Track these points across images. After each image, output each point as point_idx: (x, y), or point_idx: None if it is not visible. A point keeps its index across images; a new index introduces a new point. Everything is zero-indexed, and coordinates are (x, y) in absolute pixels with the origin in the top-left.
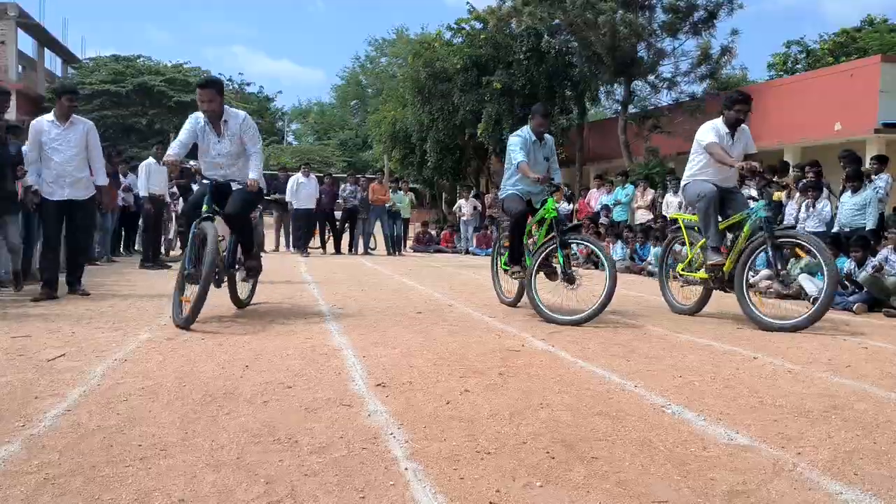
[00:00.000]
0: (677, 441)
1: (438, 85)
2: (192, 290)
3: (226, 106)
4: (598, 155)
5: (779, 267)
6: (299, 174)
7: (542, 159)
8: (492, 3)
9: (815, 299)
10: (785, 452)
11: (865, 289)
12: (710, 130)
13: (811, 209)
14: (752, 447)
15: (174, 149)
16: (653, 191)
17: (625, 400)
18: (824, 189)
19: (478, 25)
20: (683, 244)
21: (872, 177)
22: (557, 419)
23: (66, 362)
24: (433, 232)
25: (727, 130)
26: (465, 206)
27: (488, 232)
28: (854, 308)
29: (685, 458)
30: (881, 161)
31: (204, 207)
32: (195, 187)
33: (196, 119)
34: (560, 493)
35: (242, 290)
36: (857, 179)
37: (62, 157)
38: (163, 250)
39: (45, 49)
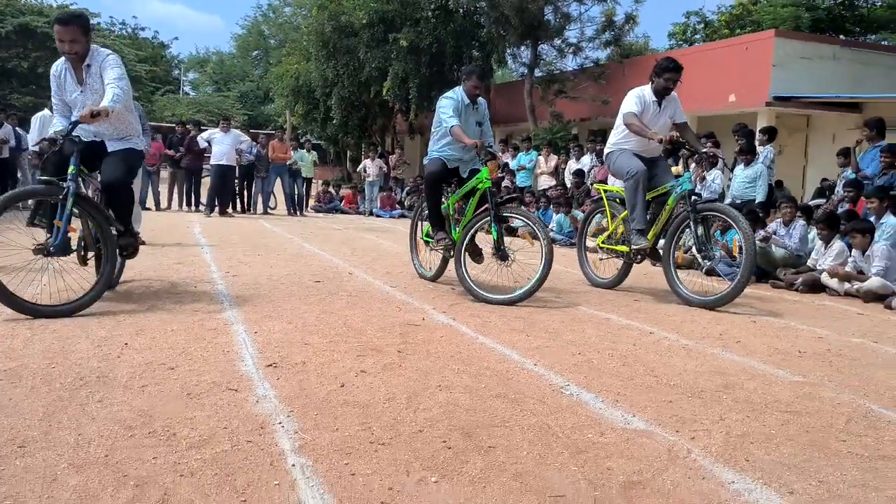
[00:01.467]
0: (575, 426)
1: (344, 40)
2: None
3: (94, 46)
4: (504, 118)
5: (702, 240)
6: (217, 129)
7: (475, 124)
8: None
9: (730, 275)
10: (679, 437)
11: None
12: (634, 99)
13: (704, 182)
14: (648, 431)
15: (56, 119)
16: (556, 156)
17: (524, 380)
18: (719, 161)
19: None
20: (603, 215)
21: (759, 148)
22: (456, 402)
23: None
24: (334, 191)
25: (654, 99)
26: (370, 167)
27: (392, 193)
28: None
29: (582, 446)
30: (769, 133)
31: (70, 169)
32: None
33: (56, 68)
34: (456, 489)
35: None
36: (750, 153)
37: None
38: None
39: None
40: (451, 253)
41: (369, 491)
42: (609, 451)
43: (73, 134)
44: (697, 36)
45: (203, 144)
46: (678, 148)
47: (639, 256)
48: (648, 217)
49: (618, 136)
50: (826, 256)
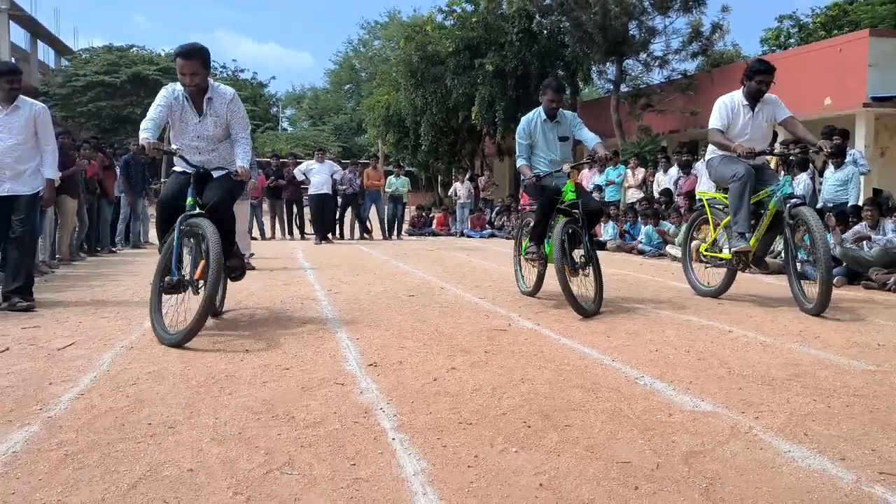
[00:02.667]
0: (646, 409)
1: (431, 68)
2: (180, 300)
3: (210, 81)
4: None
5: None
6: (313, 160)
7: (557, 139)
8: None
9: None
10: (744, 417)
11: (844, 263)
12: (718, 111)
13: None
14: (715, 413)
15: (148, 129)
16: (643, 169)
17: (601, 373)
18: (809, 165)
19: (469, 8)
20: (707, 223)
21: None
22: (536, 392)
23: (76, 350)
24: (426, 214)
25: (745, 103)
26: (460, 189)
27: (482, 214)
28: (835, 282)
29: (651, 424)
30: (842, 136)
31: (188, 200)
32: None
33: (173, 92)
34: (533, 457)
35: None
36: (840, 155)
37: (2, 146)
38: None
39: (38, 41)
40: (544, 267)
41: (458, 458)
42: (675, 428)
43: (189, 161)
44: (791, 40)
45: (300, 177)
46: (753, 157)
47: (741, 263)
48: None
49: None
50: None
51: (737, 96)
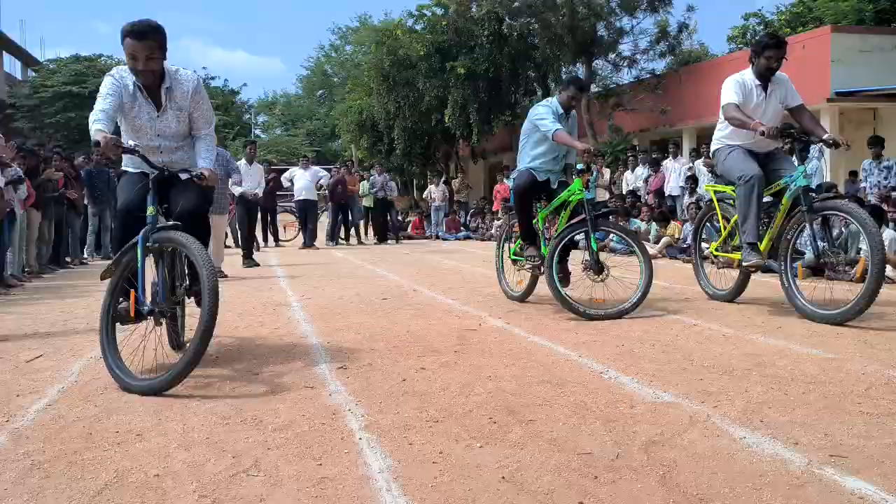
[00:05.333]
0: (609, 402)
1: (402, 72)
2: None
3: (167, 66)
4: None
5: (824, 244)
6: (297, 167)
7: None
8: None
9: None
10: (703, 406)
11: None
12: (733, 87)
13: None
14: (675, 403)
15: (101, 121)
16: (608, 170)
17: (568, 369)
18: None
19: (439, 11)
20: (716, 219)
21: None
22: (503, 389)
23: (44, 362)
24: (401, 218)
25: (758, 83)
26: (435, 192)
27: (457, 217)
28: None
29: (613, 416)
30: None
31: (149, 210)
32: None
33: (121, 79)
34: (497, 451)
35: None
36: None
37: None
38: None
39: (4, 52)
40: (542, 270)
41: (423, 455)
42: (637, 419)
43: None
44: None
45: (286, 184)
46: (792, 138)
47: (753, 268)
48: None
49: (724, 131)
50: None
51: (747, 75)
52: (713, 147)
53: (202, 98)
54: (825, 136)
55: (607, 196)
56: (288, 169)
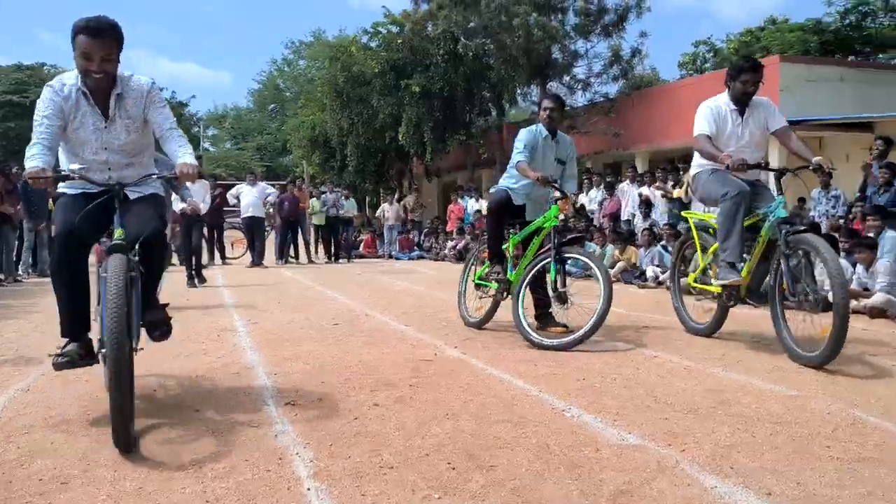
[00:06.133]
0: (573, 444)
1: (357, 89)
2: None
3: (120, 70)
4: None
5: (796, 281)
6: (245, 183)
7: (553, 161)
8: (407, 7)
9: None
10: (671, 450)
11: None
12: (704, 116)
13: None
14: (641, 446)
15: (37, 157)
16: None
17: (528, 405)
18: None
19: (394, 29)
20: (694, 248)
21: None
22: (461, 429)
23: None
24: (354, 236)
25: (733, 107)
26: (388, 211)
27: (410, 236)
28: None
29: (578, 461)
30: (887, 143)
31: (117, 233)
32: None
33: (61, 89)
34: (456, 503)
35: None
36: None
37: None
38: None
39: None
40: (504, 295)
41: None
42: (603, 464)
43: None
44: (707, 64)
45: (233, 201)
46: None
47: (731, 298)
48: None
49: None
50: None
51: (722, 100)
52: (692, 172)
53: (157, 98)
54: (814, 160)
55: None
56: (236, 185)
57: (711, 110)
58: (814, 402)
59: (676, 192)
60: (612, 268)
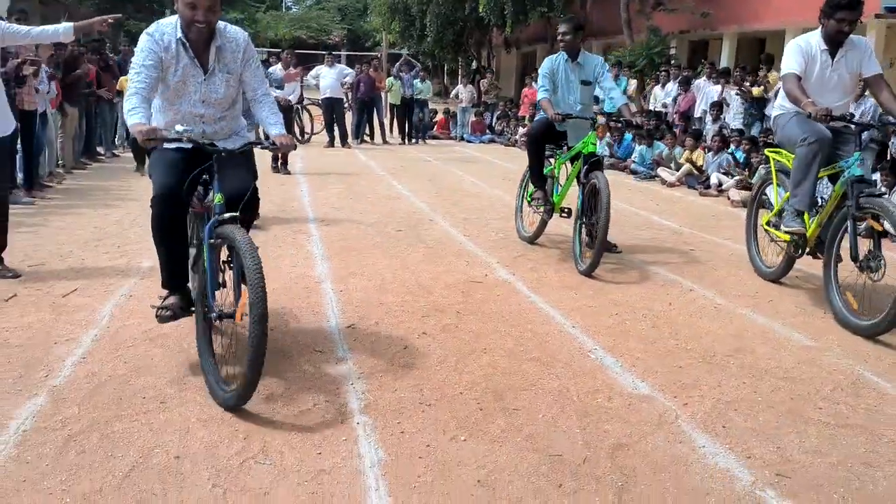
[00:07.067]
0: (590, 390)
1: None
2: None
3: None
4: (600, 29)
5: (862, 248)
6: (323, 65)
7: (578, 83)
8: None
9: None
10: (675, 402)
11: None
12: (793, 54)
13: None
14: (649, 397)
15: (138, 111)
16: (634, 81)
17: (559, 344)
18: None
19: None
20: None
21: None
22: (495, 365)
23: (79, 299)
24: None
25: (825, 47)
26: (462, 93)
27: (482, 118)
28: None
29: (590, 409)
30: None
31: (217, 198)
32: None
33: (161, 39)
34: (477, 447)
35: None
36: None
37: None
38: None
39: None
40: (550, 215)
41: (412, 447)
42: (610, 415)
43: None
44: None
45: (312, 82)
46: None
47: (798, 249)
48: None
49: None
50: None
51: (814, 39)
52: (774, 113)
53: (252, 55)
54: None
55: (634, 108)
56: (314, 66)
57: (800, 49)
58: (825, 355)
59: (756, 91)
60: (678, 170)
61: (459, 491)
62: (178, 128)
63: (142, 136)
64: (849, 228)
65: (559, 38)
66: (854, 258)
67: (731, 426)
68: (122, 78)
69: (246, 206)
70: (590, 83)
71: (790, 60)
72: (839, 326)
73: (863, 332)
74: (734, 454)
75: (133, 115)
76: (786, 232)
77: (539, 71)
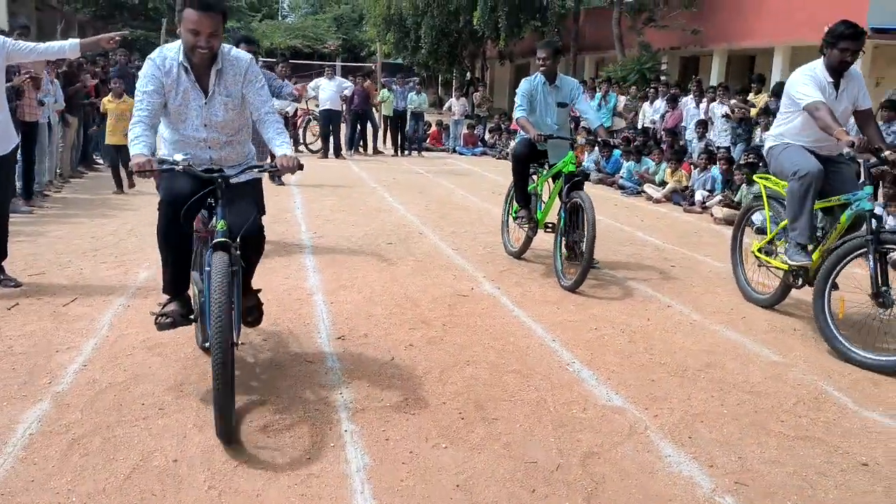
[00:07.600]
0: (567, 401)
1: None
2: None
3: (221, 45)
4: (593, 44)
5: (880, 284)
6: (322, 77)
7: (555, 105)
8: None
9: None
10: (646, 414)
11: None
12: (809, 81)
13: None
14: (622, 409)
15: (141, 140)
16: (624, 98)
17: (539, 357)
18: None
19: None
20: (763, 213)
21: None
22: (477, 377)
23: (78, 308)
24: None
25: (830, 79)
26: (455, 105)
27: (475, 131)
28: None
29: (565, 420)
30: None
31: (219, 225)
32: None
33: (163, 63)
34: (457, 454)
35: None
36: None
37: None
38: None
39: None
40: (534, 232)
41: (396, 454)
42: (584, 425)
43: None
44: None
45: (312, 94)
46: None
47: (799, 279)
48: (820, 228)
49: (786, 126)
50: None
51: (818, 69)
52: (767, 144)
53: (255, 76)
54: (884, 154)
55: (623, 124)
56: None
57: (813, 78)
58: (791, 371)
59: (753, 112)
60: (663, 187)
61: (439, 494)
62: (178, 157)
63: (136, 168)
64: (870, 264)
65: (539, 61)
66: (876, 295)
67: (697, 437)
68: (104, 99)
69: (250, 247)
70: (566, 105)
71: (809, 90)
72: (808, 343)
73: (883, 369)
74: (697, 463)
75: (135, 145)
76: (792, 266)
77: (518, 90)
